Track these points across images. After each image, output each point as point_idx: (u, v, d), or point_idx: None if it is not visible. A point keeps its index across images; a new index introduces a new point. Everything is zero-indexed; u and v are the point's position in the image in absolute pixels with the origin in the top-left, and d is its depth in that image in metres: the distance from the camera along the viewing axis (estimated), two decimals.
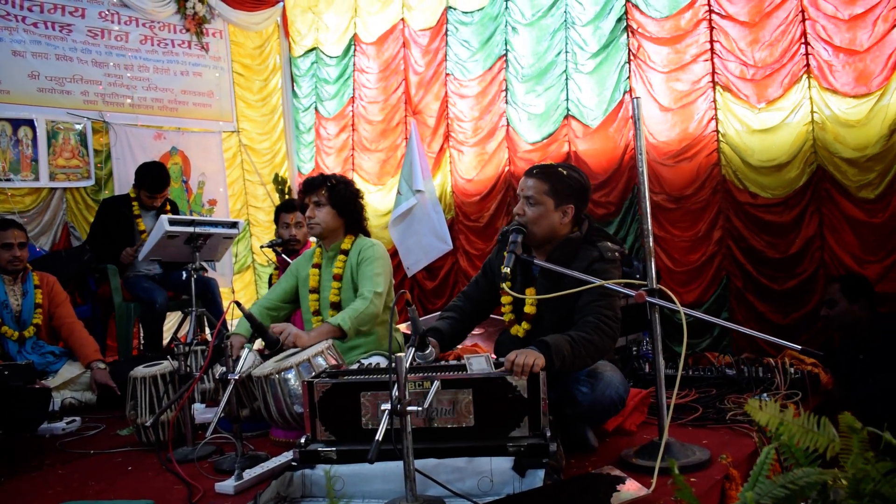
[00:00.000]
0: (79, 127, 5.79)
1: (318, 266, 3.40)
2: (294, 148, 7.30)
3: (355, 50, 6.68)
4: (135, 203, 5.00)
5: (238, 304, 2.65)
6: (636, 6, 4.89)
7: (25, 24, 5.52)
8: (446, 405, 2.23)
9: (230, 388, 2.50)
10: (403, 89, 6.31)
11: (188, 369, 2.95)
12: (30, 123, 5.53)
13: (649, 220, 2.43)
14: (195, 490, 2.42)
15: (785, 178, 4.33)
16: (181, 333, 5.35)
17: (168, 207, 5.16)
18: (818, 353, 2.08)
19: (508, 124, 5.60)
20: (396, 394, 1.92)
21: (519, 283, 2.74)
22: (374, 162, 6.56)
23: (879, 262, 4.01)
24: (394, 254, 5.75)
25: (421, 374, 2.28)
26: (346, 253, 3.34)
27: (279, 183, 6.97)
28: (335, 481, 2.18)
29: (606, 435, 2.77)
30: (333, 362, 2.81)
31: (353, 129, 6.70)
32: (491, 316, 3.00)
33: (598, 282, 2.40)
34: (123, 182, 5.81)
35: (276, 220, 4.62)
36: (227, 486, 2.39)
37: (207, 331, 4.80)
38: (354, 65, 6.68)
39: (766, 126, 4.39)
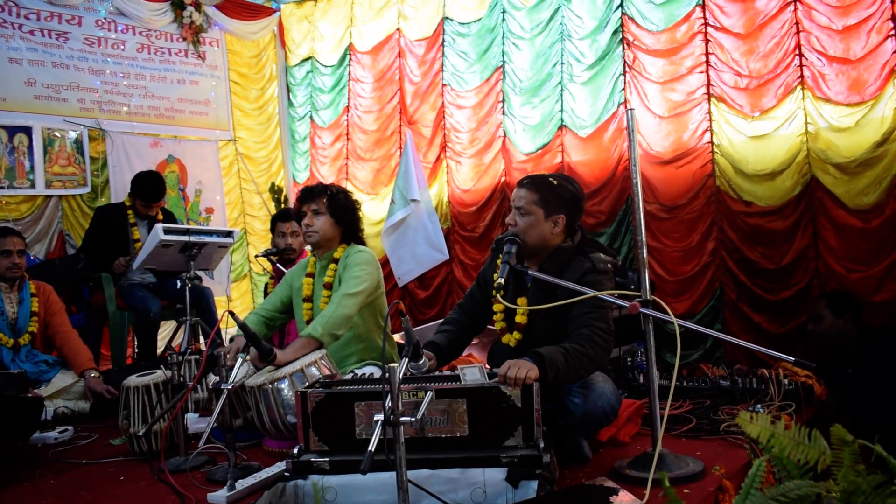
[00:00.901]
0: (74, 134, 5.78)
1: (311, 275, 3.40)
2: (290, 157, 7.30)
3: (350, 59, 6.70)
4: (129, 211, 5.00)
5: (232, 313, 2.64)
6: (632, 19, 4.92)
7: (22, 32, 5.52)
8: (440, 415, 2.24)
9: (223, 397, 2.50)
10: (399, 99, 6.32)
11: (181, 379, 2.94)
12: (26, 131, 5.51)
13: (643, 231, 2.44)
14: (187, 500, 2.42)
15: (779, 188, 4.35)
16: (175, 343, 5.34)
17: (160, 216, 5.16)
18: (811, 364, 2.07)
19: (505, 135, 5.61)
20: (390, 404, 1.92)
21: (511, 293, 2.74)
22: (368, 171, 6.56)
23: (872, 270, 4.03)
24: (384, 263, 5.74)
25: (415, 385, 2.28)
26: (336, 262, 3.34)
27: (275, 192, 6.97)
28: (328, 492, 2.17)
29: (600, 446, 2.77)
30: (327, 372, 2.81)
31: (348, 139, 6.70)
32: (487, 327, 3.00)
33: (592, 293, 2.40)
34: (120, 190, 5.80)
35: (273, 230, 4.59)
36: (220, 496, 2.39)
37: (201, 340, 4.78)
38: (349, 74, 6.70)
39: (760, 135, 4.42)
